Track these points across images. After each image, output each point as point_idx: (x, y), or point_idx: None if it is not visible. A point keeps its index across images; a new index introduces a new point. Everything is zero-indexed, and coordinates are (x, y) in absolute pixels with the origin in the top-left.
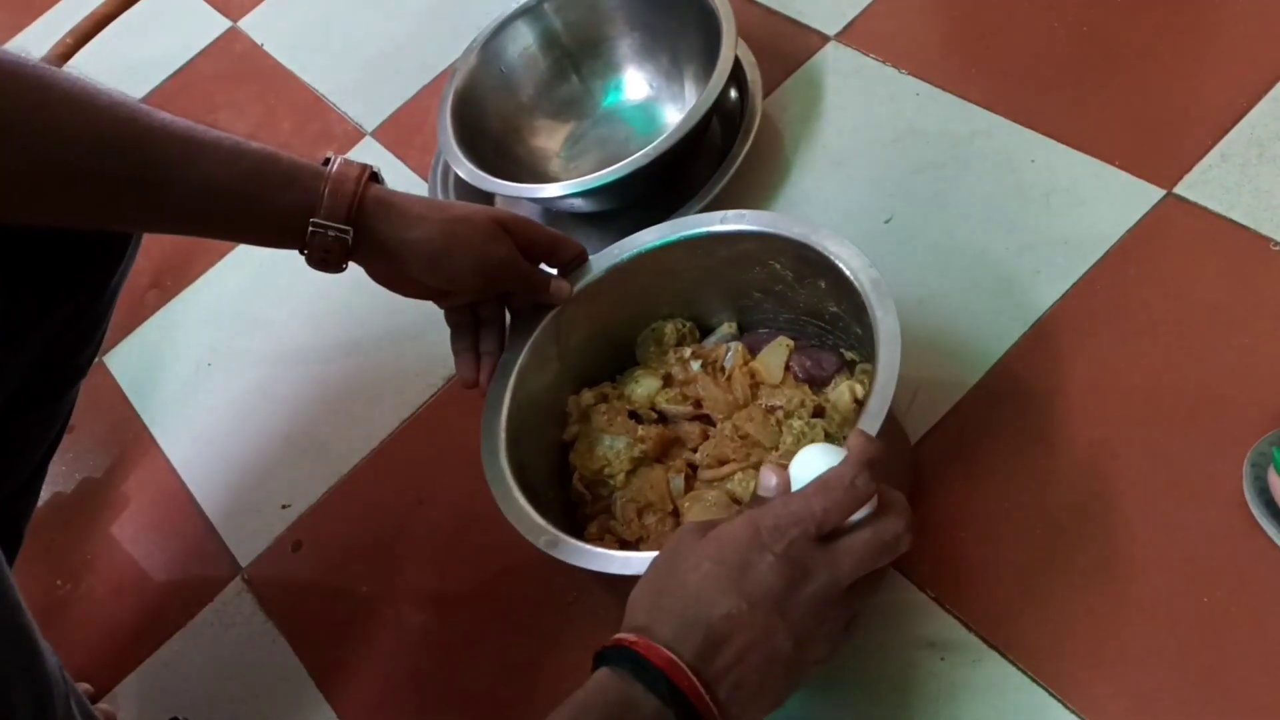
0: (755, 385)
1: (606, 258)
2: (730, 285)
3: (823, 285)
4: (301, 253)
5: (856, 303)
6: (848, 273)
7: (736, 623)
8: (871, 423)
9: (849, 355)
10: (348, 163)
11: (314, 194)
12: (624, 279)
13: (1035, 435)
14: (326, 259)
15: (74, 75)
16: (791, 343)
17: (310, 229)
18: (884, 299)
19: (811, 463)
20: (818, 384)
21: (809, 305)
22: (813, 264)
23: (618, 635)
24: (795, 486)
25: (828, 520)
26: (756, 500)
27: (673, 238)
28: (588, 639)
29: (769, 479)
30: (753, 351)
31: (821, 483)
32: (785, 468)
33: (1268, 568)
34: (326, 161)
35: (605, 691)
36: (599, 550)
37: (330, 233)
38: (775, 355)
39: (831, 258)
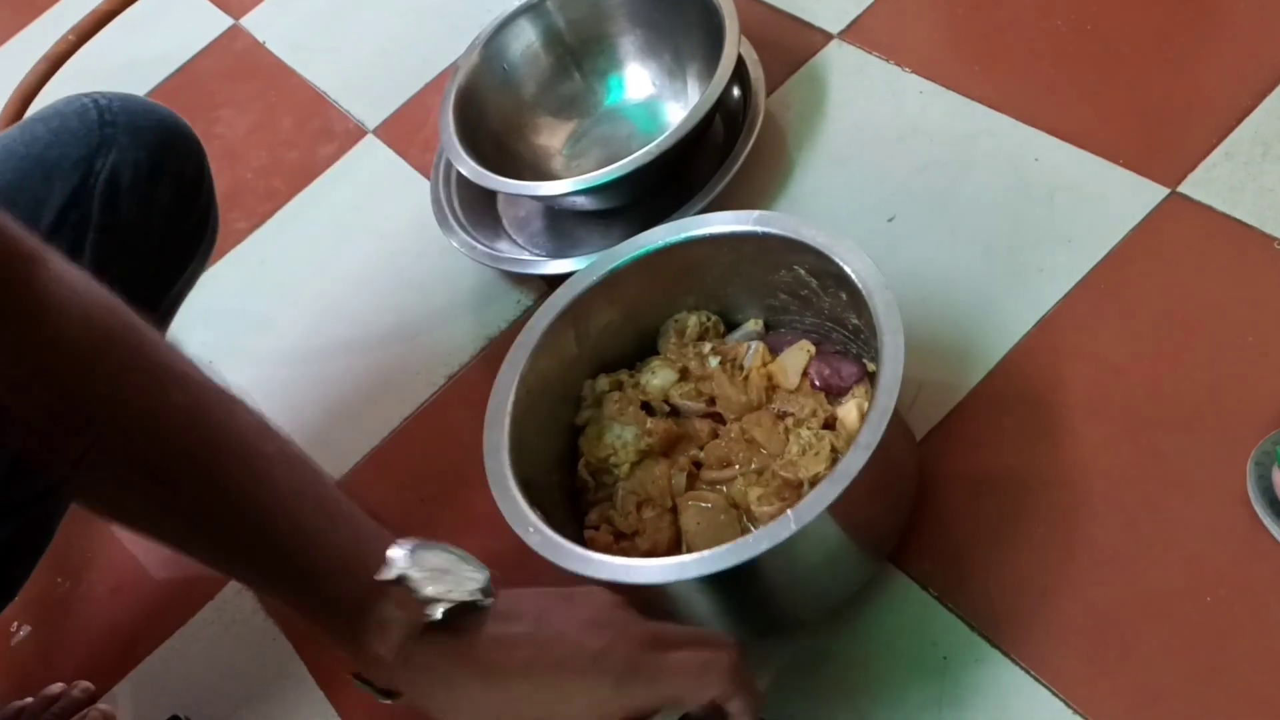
0: (771, 388)
1: (630, 247)
2: (757, 283)
3: (844, 297)
4: None
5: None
6: (862, 290)
7: None
8: (860, 454)
9: (871, 366)
10: (405, 595)
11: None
12: (649, 269)
13: (1038, 434)
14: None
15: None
16: (813, 348)
17: (355, 679)
18: (893, 319)
19: None
20: (835, 393)
21: (833, 313)
22: (833, 276)
23: None
24: None
25: None
26: None
27: (695, 234)
28: None
29: None
30: (774, 352)
31: None
32: None
33: (1271, 567)
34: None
35: None
36: (580, 551)
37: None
38: (794, 359)
39: (849, 272)
